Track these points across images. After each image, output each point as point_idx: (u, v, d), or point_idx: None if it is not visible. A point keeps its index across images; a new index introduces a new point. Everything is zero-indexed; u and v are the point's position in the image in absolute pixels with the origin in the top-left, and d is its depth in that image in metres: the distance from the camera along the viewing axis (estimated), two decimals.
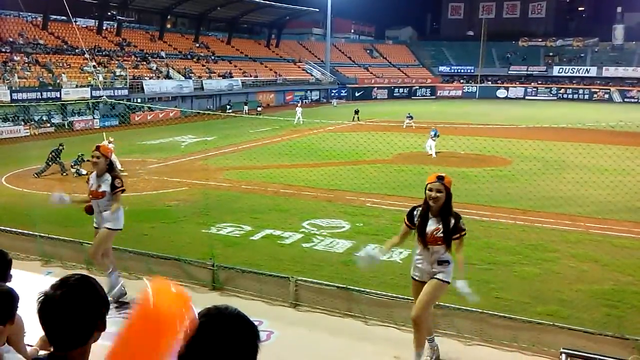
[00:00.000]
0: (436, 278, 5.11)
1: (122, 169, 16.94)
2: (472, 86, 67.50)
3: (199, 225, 11.18)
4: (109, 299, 6.11)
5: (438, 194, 4.96)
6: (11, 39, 36.96)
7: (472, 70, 69.31)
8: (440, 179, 5.00)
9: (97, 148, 6.82)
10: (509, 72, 69.38)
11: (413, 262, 5.36)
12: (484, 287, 7.99)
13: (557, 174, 17.17)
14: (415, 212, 5.16)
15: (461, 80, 70.00)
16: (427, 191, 5.02)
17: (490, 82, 67.59)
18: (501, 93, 66.19)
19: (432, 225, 5.04)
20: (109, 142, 16.61)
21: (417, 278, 5.31)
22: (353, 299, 6.74)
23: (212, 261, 7.52)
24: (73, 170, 17.41)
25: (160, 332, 1.46)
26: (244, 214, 12.22)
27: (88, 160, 18.08)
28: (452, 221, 5.01)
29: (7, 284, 3.06)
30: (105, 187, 6.67)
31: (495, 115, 40.78)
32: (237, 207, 13.02)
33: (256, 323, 1.58)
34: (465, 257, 5.34)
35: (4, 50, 34.77)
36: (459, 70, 71.40)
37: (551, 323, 5.99)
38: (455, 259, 5.19)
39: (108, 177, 6.68)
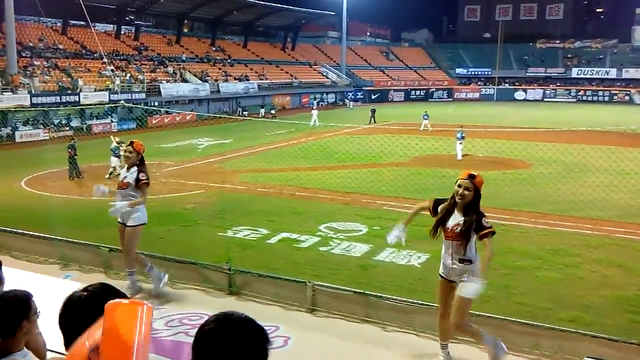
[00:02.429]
0: (463, 281, 5.04)
1: (113, 172, 16.99)
2: (489, 88, 66.92)
3: (215, 228, 11.17)
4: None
5: (465, 192, 4.95)
6: (31, 44, 37.50)
7: (490, 73, 68.74)
8: (471, 177, 4.99)
9: (131, 144, 7.23)
10: (527, 74, 68.62)
11: (441, 260, 5.30)
12: (505, 293, 7.86)
13: (578, 178, 16.89)
14: (442, 202, 5.19)
15: (478, 83, 69.44)
16: (456, 186, 5.01)
17: (507, 84, 66.93)
18: (519, 95, 65.48)
19: (453, 220, 5.02)
20: (117, 143, 16.71)
21: (443, 275, 5.25)
22: (371, 304, 6.64)
23: (228, 265, 7.48)
24: (111, 169, 17.32)
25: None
26: (260, 217, 12.18)
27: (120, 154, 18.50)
28: (475, 218, 4.95)
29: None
30: (130, 179, 7.00)
31: (513, 117, 40.34)
32: (254, 210, 13.00)
33: (272, 328, 1.61)
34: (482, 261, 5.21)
35: (24, 55, 35.25)
36: (476, 73, 70.87)
37: (574, 330, 5.84)
38: (481, 258, 5.08)
39: (135, 170, 7.02)
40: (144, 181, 6.99)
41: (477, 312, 5.94)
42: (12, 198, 14.50)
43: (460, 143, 22.12)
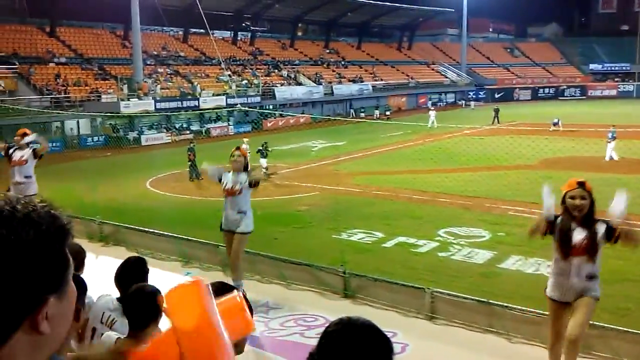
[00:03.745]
0: (589, 295, 4.63)
1: (266, 172, 17.40)
2: (628, 85, 61.10)
3: (329, 231, 11.14)
4: None
5: (582, 202, 4.55)
6: (155, 52, 40.47)
7: (629, 68, 62.85)
8: (580, 185, 4.58)
9: (237, 148, 7.40)
10: None
11: (550, 281, 4.84)
12: None
13: None
14: (557, 222, 4.68)
15: (615, 79, 63.78)
16: (568, 199, 4.60)
17: None
18: None
19: (579, 235, 4.59)
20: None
21: (556, 298, 4.78)
22: (495, 314, 6.32)
23: (343, 268, 7.38)
24: (264, 170, 17.67)
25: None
26: (376, 220, 11.96)
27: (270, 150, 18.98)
28: (600, 228, 4.52)
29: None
30: (241, 185, 7.03)
31: None
32: (369, 213, 12.81)
33: (389, 334, 1.47)
34: (620, 271, 4.64)
35: (149, 63, 38.05)
36: (613, 68, 65.22)
37: None
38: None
39: (244, 175, 7.06)
40: (263, 177, 7.12)
41: (611, 326, 5.51)
42: (139, 198, 15.47)
43: (609, 142, 20.48)
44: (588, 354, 5.71)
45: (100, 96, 32.25)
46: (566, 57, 70.09)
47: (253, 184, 7.08)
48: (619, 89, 61.49)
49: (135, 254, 5.33)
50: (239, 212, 7.05)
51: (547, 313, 6.13)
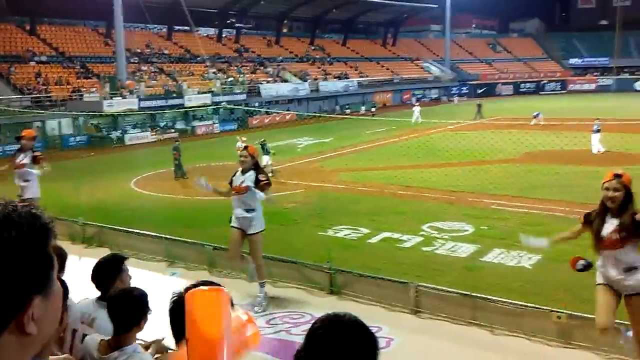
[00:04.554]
0: (635, 294, 4.61)
1: (272, 168, 17.26)
2: (607, 79, 61.93)
3: (315, 228, 11.21)
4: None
5: (616, 193, 4.58)
6: (139, 50, 39.88)
7: (608, 62, 63.61)
8: (617, 176, 4.61)
9: (246, 148, 7.38)
10: None
11: (597, 270, 4.87)
12: None
13: None
14: (592, 214, 4.79)
15: (595, 73, 64.55)
16: (603, 190, 4.66)
17: (627, 74, 61.54)
18: None
19: (610, 227, 4.60)
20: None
21: (604, 282, 4.78)
22: (478, 307, 6.45)
23: (329, 264, 7.44)
24: (269, 169, 17.36)
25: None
26: (361, 217, 12.04)
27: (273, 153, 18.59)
28: (634, 218, 4.48)
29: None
30: (248, 182, 7.00)
31: (636, 109, 36.87)
32: (354, 210, 12.89)
33: (375, 329, 1.54)
34: None
35: (132, 61, 37.50)
36: (592, 63, 65.97)
37: None
38: None
39: (252, 173, 7.04)
40: (264, 181, 7.01)
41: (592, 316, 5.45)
42: (123, 198, 15.32)
43: (594, 134, 20.60)
44: (568, 344, 5.85)
45: (82, 95, 31.87)
46: (547, 52, 70.67)
47: (260, 185, 6.99)
48: (598, 83, 62.23)
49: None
50: (247, 210, 7.04)
51: (529, 305, 6.29)
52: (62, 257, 3.49)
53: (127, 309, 2.77)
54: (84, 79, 34.40)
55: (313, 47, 54.89)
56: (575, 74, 65.75)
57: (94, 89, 32.34)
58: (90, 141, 29.58)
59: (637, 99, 47.10)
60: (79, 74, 35.08)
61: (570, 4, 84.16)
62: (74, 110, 29.88)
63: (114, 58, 34.70)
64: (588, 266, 4.86)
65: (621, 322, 4.92)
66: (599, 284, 4.79)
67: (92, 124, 31.23)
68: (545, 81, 63.42)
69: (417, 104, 37.60)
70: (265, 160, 17.48)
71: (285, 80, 44.89)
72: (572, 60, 67.50)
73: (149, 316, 2.88)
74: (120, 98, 31.53)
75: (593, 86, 62.09)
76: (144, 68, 37.71)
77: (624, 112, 32.77)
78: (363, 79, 51.35)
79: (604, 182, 4.67)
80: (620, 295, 4.69)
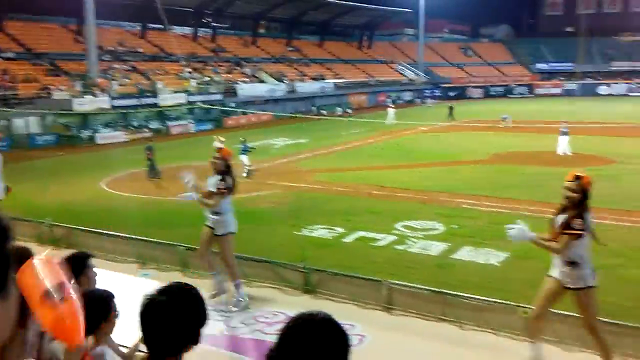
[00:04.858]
0: (570, 288, 5.00)
1: (250, 169, 17.19)
2: (572, 83, 63.65)
3: (290, 227, 11.25)
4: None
5: (573, 194, 4.98)
6: (111, 48, 39.10)
7: (572, 67, 65.36)
8: (577, 178, 5.00)
9: (219, 150, 7.22)
10: (610, 68, 64.70)
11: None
12: None
13: None
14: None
15: (560, 78, 66.22)
16: (563, 189, 5.08)
17: (590, 79, 63.35)
18: (603, 90, 61.86)
19: (559, 220, 5.03)
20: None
21: (549, 273, 5.21)
22: (448, 303, 6.58)
23: (303, 264, 7.49)
24: (247, 169, 17.33)
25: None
26: (337, 216, 12.14)
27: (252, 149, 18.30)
28: (569, 217, 4.93)
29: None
30: (210, 187, 6.95)
31: (597, 113, 37.97)
32: (330, 209, 12.99)
33: (348, 327, 1.51)
34: None
35: (104, 59, 36.68)
36: (558, 68, 67.67)
37: None
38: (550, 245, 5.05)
39: (217, 178, 6.93)
40: (221, 190, 6.84)
41: (558, 311, 5.74)
42: (93, 199, 14.98)
43: (561, 136, 20.92)
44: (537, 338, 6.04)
45: (50, 93, 31.21)
46: (516, 57, 72.06)
47: (215, 191, 6.88)
48: (564, 88, 63.88)
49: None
50: (214, 212, 7.02)
51: (496, 301, 6.47)
52: (27, 258, 3.45)
53: (87, 311, 2.78)
54: (53, 77, 33.69)
55: (290, 48, 54.87)
56: (542, 78, 67.37)
57: (63, 87, 31.67)
58: (59, 140, 28.92)
59: (600, 103, 48.49)
60: (49, 71, 34.33)
61: (537, 11, 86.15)
62: (42, 109, 29.26)
63: (85, 55, 34.03)
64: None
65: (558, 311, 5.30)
66: (547, 275, 5.17)
67: (60, 122, 30.55)
68: (514, 85, 64.85)
69: (393, 105, 37.99)
70: (244, 160, 17.48)
71: (262, 81, 44.78)
72: (539, 65, 69.11)
73: (115, 320, 2.89)
74: (91, 96, 30.96)
75: (559, 90, 63.71)
76: (116, 66, 37.07)
77: (588, 115, 33.69)
78: (339, 80, 51.59)
79: (565, 181, 5.05)
80: (565, 288, 5.03)
